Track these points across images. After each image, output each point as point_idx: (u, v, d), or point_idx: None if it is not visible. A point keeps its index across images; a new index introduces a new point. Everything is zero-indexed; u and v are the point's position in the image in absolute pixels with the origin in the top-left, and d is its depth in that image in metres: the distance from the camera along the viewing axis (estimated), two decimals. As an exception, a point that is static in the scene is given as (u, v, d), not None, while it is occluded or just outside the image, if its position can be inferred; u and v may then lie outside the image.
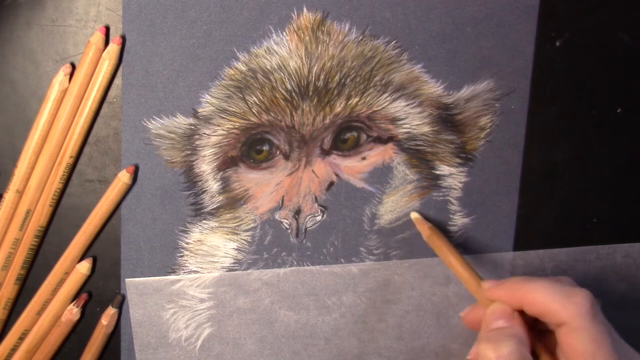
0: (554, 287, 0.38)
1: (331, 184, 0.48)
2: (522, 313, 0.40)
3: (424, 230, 0.47)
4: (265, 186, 0.48)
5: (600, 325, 0.37)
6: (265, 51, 0.46)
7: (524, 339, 0.38)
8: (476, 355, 0.40)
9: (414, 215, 0.49)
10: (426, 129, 0.48)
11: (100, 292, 0.48)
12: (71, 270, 0.47)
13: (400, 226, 0.49)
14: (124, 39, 0.45)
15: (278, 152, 0.48)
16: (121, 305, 0.48)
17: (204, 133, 0.47)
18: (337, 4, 0.46)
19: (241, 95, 0.46)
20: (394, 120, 0.48)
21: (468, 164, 0.49)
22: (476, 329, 0.42)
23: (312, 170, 0.48)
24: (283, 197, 0.48)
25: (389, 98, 0.47)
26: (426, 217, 0.49)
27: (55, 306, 0.47)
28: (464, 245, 0.50)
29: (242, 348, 0.50)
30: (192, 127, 0.47)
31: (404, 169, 0.49)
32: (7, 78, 0.46)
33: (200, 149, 0.47)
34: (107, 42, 0.45)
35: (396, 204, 0.49)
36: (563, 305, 0.37)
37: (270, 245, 0.49)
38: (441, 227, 0.50)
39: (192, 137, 0.47)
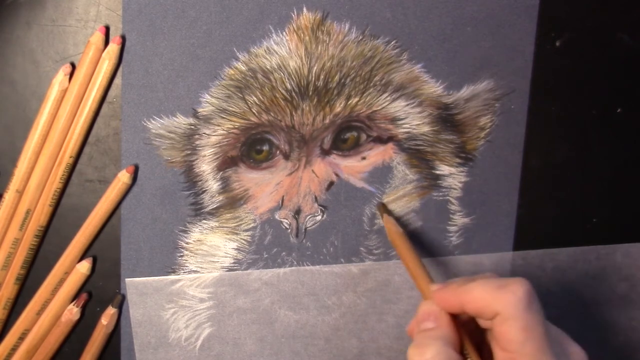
0: (489, 282, 0.38)
1: (331, 183, 0.48)
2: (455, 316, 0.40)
3: (389, 228, 0.47)
4: (265, 186, 0.48)
5: (533, 314, 0.37)
6: (265, 51, 0.46)
7: (450, 340, 0.38)
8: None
9: (384, 212, 0.48)
10: (426, 128, 0.48)
11: (100, 292, 0.48)
12: (71, 270, 0.47)
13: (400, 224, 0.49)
14: (124, 39, 0.45)
15: (278, 152, 0.48)
16: (121, 305, 0.48)
17: (204, 133, 0.47)
18: (337, 4, 0.46)
19: (241, 95, 0.46)
20: (394, 120, 0.48)
21: (468, 164, 0.49)
22: None
23: (312, 170, 0.48)
24: (283, 197, 0.48)
25: (389, 98, 0.47)
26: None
27: (55, 306, 0.47)
28: (464, 245, 0.50)
29: (242, 348, 0.50)
30: (192, 127, 0.47)
31: (404, 168, 0.49)
32: (7, 78, 0.46)
33: (200, 148, 0.47)
34: (107, 42, 0.45)
35: (396, 204, 0.49)
36: (496, 297, 0.37)
37: (270, 245, 0.49)
38: (441, 227, 0.50)
39: (192, 137, 0.47)
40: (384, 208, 0.49)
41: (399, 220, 0.49)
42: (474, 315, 0.39)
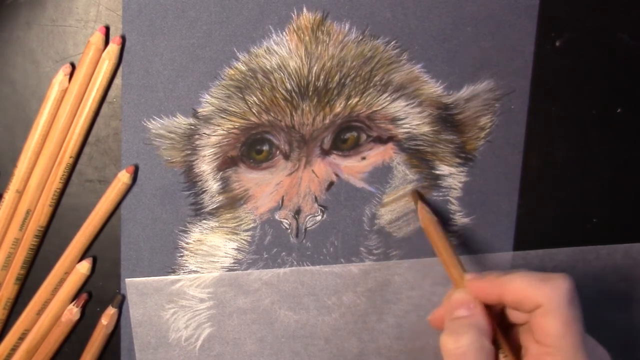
0: (532, 274, 0.38)
1: (331, 184, 0.48)
2: (488, 307, 0.40)
3: (422, 214, 0.47)
4: (265, 186, 0.48)
5: (574, 310, 0.37)
6: (265, 51, 0.46)
7: (484, 329, 0.38)
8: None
9: (416, 198, 0.48)
10: (426, 128, 0.48)
11: (100, 292, 0.48)
12: (71, 270, 0.47)
13: (400, 224, 0.49)
14: (124, 39, 0.45)
15: (278, 152, 0.48)
16: (121, 305, 0.48)
17: (204, 133, 0.47)
18: (337, 4, 0.46)
19: (241, 95, 0.46)
20: (393, 120, 0.48)
21: (468, 164, 0.49)
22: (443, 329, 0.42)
23: (312, 170, 0.48)
24: (283, 197, 0.48)
25: (388, 98, 0.47)
26: (428, 204, 0.48)
27: (55, 306, 0.47)
28: (464, 245, 0.50)
29: (242, 348, 0.50)
30: (192, 127, 0.47)
31: (404, 168, 0.49)
32: (7, 78, 0.46)
33: (200, 149, 0.47)
34: (107, 42, 0.45)
35: (396, 203, 0.49)
36: (539, 289, 0.37)
37: (270, 245, 0.49)
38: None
39: (192, 137, 0.47)
40: (418, 195, 0.48)
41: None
42: (511, 306, 0.39)
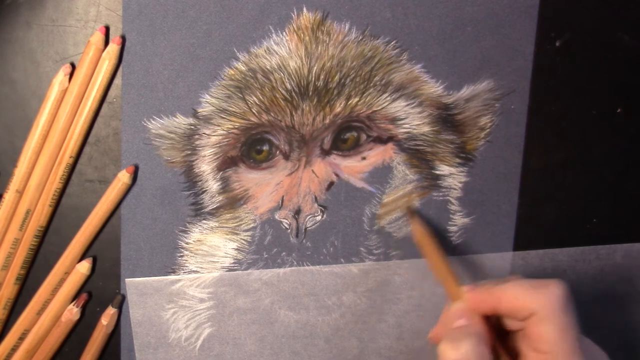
0: (525, 282, 0.38)
1: (331, 184, 0.48)
2: (486, 317, 0.40)
3: (416, 229, 0.47)
4: (265, 186, 0.48)
5: (569, 315, 0.37)
6: (265, 51, 0.46)
7: (483, 337, 0.38)
8: (436, 336, 0.40)
9: (410, 214, 0.48)
10: (426, 129, 0.48)
11: (100, 292, 0.48)
12: (71, 270, 0.47)
13: (400, 224, 0.49)
14: (124, 39, 0.45)
15: (278, 152, 0.48)
16: (121, 305, 0.48)
17: (204, 133, 0.47)
18: (337, 4, 0.46)
19: (241, 95, 0.46)
20: (393, 120, 0.48)
21: (468, 164, 0.49)
22: None
23: (312, 170, 0.48)
24: (283, 197, 0.48)
25: (388, 98, 0.47)
26: (423, 218, 0.49)
27: (55, 306, 0.47)
28: (464, 245, 0.50)
29: (242, 348, 0.50)
30: (192, 127, 0.47)
31: (404, 168, 0.49)
32: (7, 78, 0.46)
33: (200, 149, 0.47)
34: (107, 42, 0.45)
35: (396, 204, 0.49)
36: (533, 296, 0.37)
37: (270, 245, 0.49)
38: (441, 227, 0.50)
39: (192, 137, 0.47)
40: (411, 210, 0.49)
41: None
42: (506, 315, 0.39)
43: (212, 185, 0.48)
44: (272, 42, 0.46)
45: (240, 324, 0.50)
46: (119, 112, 0.46)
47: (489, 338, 0.39)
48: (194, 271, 0.49)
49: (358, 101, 0.47)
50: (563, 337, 0.36)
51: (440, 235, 0.50)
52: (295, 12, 0.46)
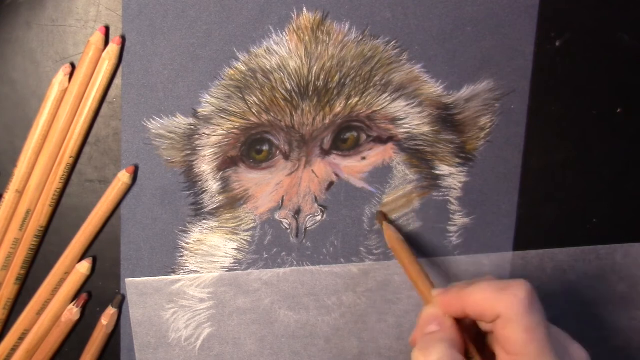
0: (490, 284, 0.38)
1: (331, 184, 0.48)
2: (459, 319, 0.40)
3: (388, 234, 0.47)
4: (265, 186, 0.48)
5: (534, 315, 0.37)
6: (265, 51, 0.46)
7: (454, 342, 0.38)
8: (413, 340, 0.40)
9: (381, 219, 0.48)
10: (426, 129, 0.48)
11: (100, 292, 0.48)
12: (71, 270, 0.47)
13: (400, 224, 0.49)
14: (124, 39, 0.45)
15: (278, 152, 0.48)
16: (121, 305, 0.48)
17: (204, 133, 0.47)
18: (337, 4, 0.46)
19: (241, 95, 0.46)
20: (393, 120, 0.48)
21: (468, 164, 0.49)
22: None
23: (312, 170, 0.48)
24: (283, 197, 0.48)
25: (388, 98, 0.47)
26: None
27: (55, 306, 0.47)
28: (464, 245, 0.50)
29: (242, 348, 0.50)
30: (192, 127, 0.47)
31: (403, 169, 0.49)
32: (7, 78, 0.46)
33: (200, 149, 0.47)
34: (107, 42, 0.45)
35: (396, 204, 0.49)
36: (497, 299, 0.37)
37: (270, 245, 0.49)
38: (441, 227, 0.50)
39: (192, 137, 0.47)
40: (382, 215, 0.49)
41: (397, 223, 0.49)
42: (475, 318, 0.39)
43: (212, 185, 0.48)
44: (272, 42, 0.46)
45: (240, 324, 0.50)
46: (119, 112, 0.46)
47: (461, 342, 0.39)
48: (194, 271, 0.49)
49: (358, 101, 0.47)
50: (530, 338, 0.36)
51: (440, 235, 0.50)
52: (295, 12, 0.46)
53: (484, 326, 0.39)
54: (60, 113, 0.45)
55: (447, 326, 0.39)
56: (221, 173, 0.48)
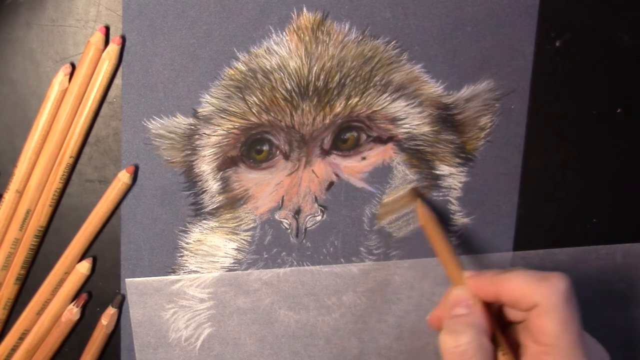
0: (529, 273, 0.38)
1: (331, 184, 0.48)
2: (487, 305, 0.40)
3: (421, 212, 0.47)
4: (265, 186, 0.48)
5: (572, 309, 0.37)
6: (265, 51, 0.46)
7: (483, 327, 0.38)
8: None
9: (415, 196, 0.48)
10: (426, 129, 0.48)
11: (100, 292, 0.48)
12: (71, 270, 0.47)
13: (400, 224, 0.49)
14: (124, 39, 0.45)
15: (278, 152, 0.48)
16: (121, 305, 0.48)
17: (204, 133, 0.47)
18: (337, 4, 0.46)
19: (241, 95, 0.46)
20: (394, 120, 0.48)
21: (468, 164, 0.49)
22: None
23: (312, 170, 0.48)
24: (283, 197, 0.48)
25: (389, 98, 0.47)
26: (427, 202, 0.48)
27: (55, 306, 0.47)
28: (464, 245, 0.50)
29: (242, 348, 0.50)
30: (192, 127, 0.47)
31: (404, 169, 0.49)
32: (7, 78, 0.46)
33: (200, 149, 0.47)
34: (107, 42, 0.45)
35: (396, 204, 0.49)
36: (536, 288, 0.37)
37: (270, 245, 0.49)
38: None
39: (192, 137, 0.47)
40: (416, 192, 0.48)
41: (405, 218, 0.49)
42: (508, 305, 0.39)
43: (212, 185, 0.48)
44: (272, 42, 0.46)
45: (240, 324, 0.50)
46: (119, 112, 0.46)
47: (489, 328, 0.39)
48: (194, 271, 0.49)
49: (358, 101, 0.47)
50: (565, 331, 0.36)
51: (440, 235, 0.50)
52: (295, 12, 0.46)
53: (514, 315, 0.39)
54: (60, 113, 0.45)
55: (476, 310, 0.39)
56: (221, 173, 0.48)
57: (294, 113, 0.47)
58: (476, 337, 0.37)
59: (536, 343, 0.37)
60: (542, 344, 0.37)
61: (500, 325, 0.40)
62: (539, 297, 0.37)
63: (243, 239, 0.48)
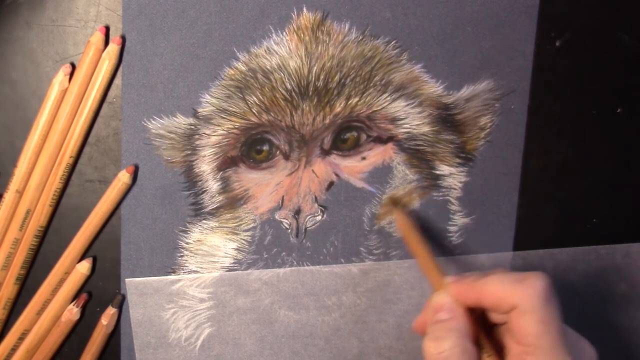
0: (507, 275, 0.38)
1: (331, 184, 0.48)
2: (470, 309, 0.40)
3: (399, 219, 0.47)
4: (265, 186, 0.48)
5: (551, 308, 0.37)
6: (265, 51, 0.46)
7: (465, 331, 0.38)
8: (418, 325, 0.41)
9: (394, 204, 0.48)
10: (426, 128, 0.48)
11: (100, 292, 0.48)
12: (71, 270, 0.47)
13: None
14: (124, 39, 0.45)
15: (278, 152, 0.48)
16: (121, 305, 0.48)
17: (204, 133, 0.47)
18: (337, 4, 0.46)
19: (241, 95, 0.46)
20: (394, 120, 0.48)
21: (468, 164, 0.49)
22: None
23: (312, 170, 0.48)
24: (283, 197, 0.48)
25: (388, 98, 0.47)
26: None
27: (55, 306, 0.47)
28: (464, 245, 0.50)
29: (242, 348, 0.50)
30: (192, 127, 0.47)
31: (404, 168, 0.49)
32: (7, 78, 0.46)
33: (200, 149, 0.47)
34: (107, 42, 0.45)
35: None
36: (514, 289, 0.37)
37: (270, 245, 0.49)
38: (441, 227, 0.50)
39: (192, 137, 0.47)
40: (393, 200, 0.49)
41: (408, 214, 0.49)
42: (489, 308, 0.39)
43: (212, 185, 0.48)
44: (272, 42, 0.46)
45: (240, 324, 0.50)
46: (119, 112, 0.46)
47: (472, 331, 0.39)
48: (194, 271, 0.49)
49: (358, 101, 0.47)
50: (545, 330, 0.36)
51: (440, 235, 0.50)
52: (295, 12, 0.46)
53: (496, 317, 0.39)
54: (60, 113, 0.45)
55: (458, 315, 0.39)
56: (221, 173, 0.48)
57: (294, 113, 0.47)
58: (459, 342, 0.37)
59: (518, 344, 0.37)
60: (524, 345, 0.37)
61: (485, 327, 0.40)
62: (517, 298, 0.37)
63: (243, 239, 0.48)
